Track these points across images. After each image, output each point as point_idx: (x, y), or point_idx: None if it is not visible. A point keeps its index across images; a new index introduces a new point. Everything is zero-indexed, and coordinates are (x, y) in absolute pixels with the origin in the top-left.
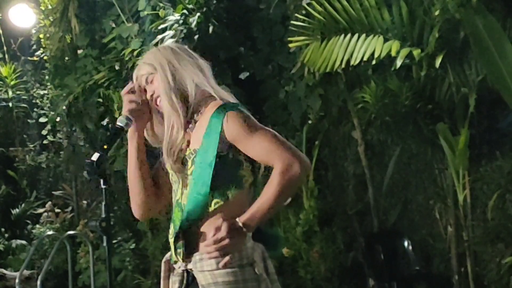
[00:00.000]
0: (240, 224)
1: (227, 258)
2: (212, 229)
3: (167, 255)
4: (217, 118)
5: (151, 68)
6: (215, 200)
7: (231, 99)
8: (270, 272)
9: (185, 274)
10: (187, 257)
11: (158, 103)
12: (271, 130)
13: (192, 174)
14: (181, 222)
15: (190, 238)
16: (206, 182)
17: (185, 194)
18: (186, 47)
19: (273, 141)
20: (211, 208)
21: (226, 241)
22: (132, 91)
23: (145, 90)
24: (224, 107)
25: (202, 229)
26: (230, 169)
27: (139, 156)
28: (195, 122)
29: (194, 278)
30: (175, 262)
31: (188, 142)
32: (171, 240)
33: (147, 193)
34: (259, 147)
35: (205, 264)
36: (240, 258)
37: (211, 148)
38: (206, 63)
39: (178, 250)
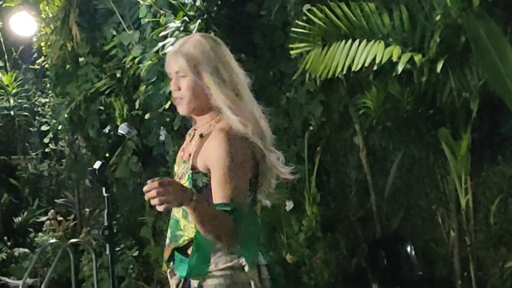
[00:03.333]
0: (194, 196)
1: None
2: None
3: (170, 264)
4: None
5: None
6: None
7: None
8: (263, 278)
9: (182, 279)
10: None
11: None
12: None
13: None
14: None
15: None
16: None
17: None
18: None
19: None
20: None
21: (170, 188)
22: None
23: None
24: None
25: None
26: None
27: None
28: (201, 136)
29: (190, 283)
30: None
31: (189, 154)
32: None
33: None
34: None
35: None
36: (230, 261)
37: None
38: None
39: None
